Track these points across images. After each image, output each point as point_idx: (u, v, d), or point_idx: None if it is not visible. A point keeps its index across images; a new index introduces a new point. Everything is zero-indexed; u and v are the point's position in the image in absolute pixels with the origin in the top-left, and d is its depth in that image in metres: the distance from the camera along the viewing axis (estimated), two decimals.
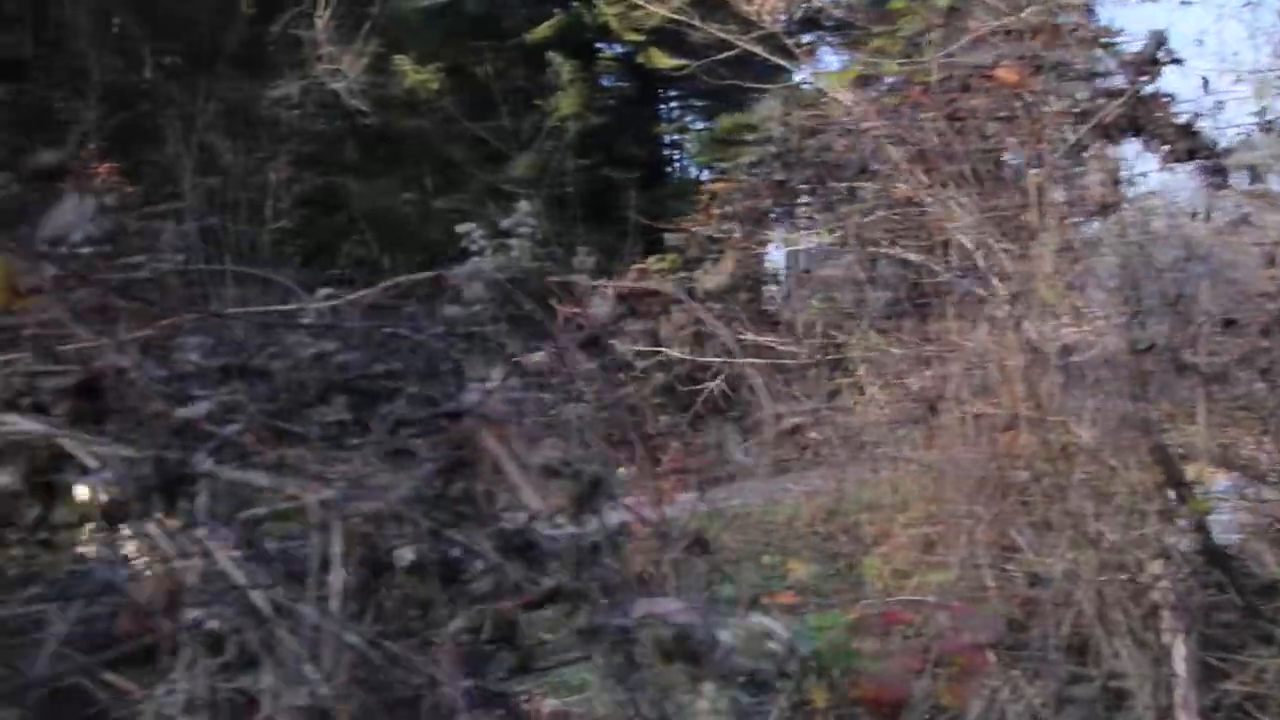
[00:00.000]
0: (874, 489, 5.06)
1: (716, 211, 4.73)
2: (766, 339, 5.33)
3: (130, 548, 1.91)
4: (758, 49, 5.73)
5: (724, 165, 9.40)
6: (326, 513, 1.42)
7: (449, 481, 1.52)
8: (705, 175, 14.76)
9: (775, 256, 7.53)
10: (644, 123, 14.44)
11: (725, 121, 12.77)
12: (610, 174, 12.43)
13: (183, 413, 1.37)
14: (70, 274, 1.58)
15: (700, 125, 15.18)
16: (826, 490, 5.49)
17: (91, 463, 1.58)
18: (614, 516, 1.51)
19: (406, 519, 1.44)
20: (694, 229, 4.85)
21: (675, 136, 15.55)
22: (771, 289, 7.55)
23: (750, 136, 5.29)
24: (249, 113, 12.87)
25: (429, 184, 12.50)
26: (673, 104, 15.63)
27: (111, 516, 1.80)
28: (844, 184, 4.43)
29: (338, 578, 1.41)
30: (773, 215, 4.70)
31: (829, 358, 5.27)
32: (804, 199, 5.34)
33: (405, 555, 1.43)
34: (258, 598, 1.38)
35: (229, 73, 13.05)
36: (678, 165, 15.80)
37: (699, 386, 5.63)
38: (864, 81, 4.94)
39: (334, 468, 1.48)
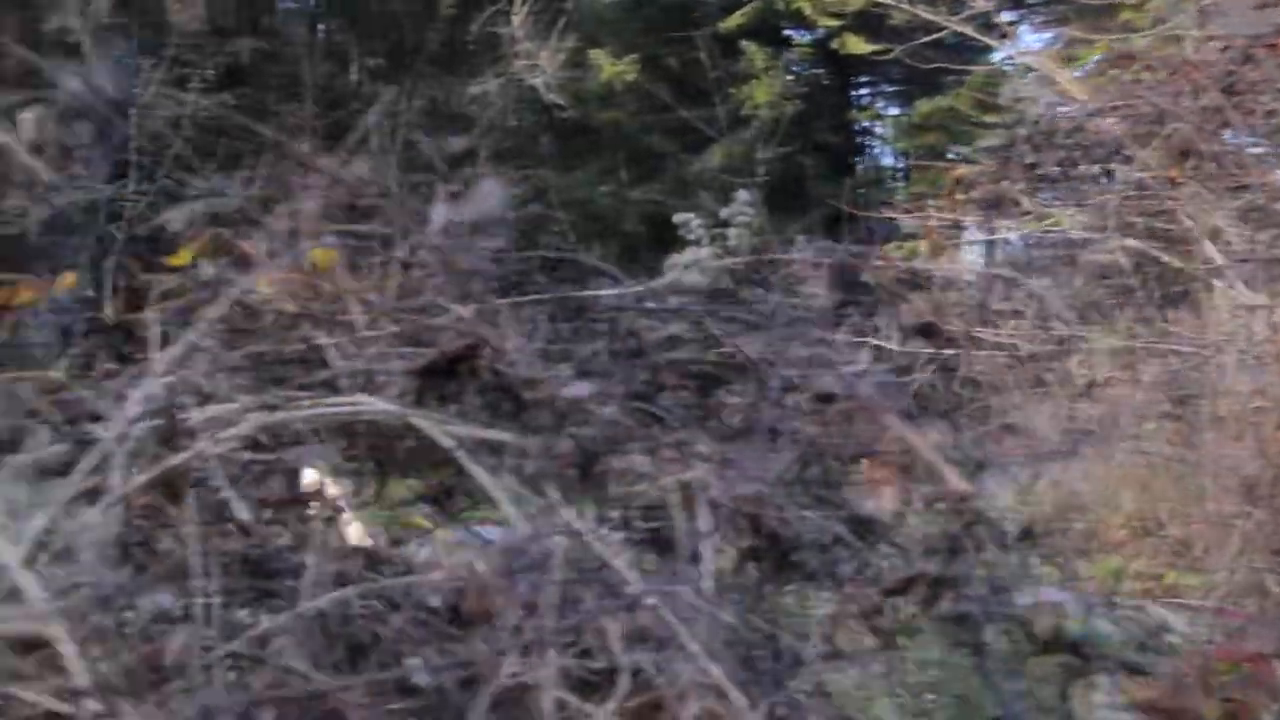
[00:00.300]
0: (1117, 484, 4.82)
1: (961, 197, 4.60)
2: (992, 330, 5.16)
3: (354, 530, 1.96)
4: (966, 29, 5.56)
5: (964, 149, 9.14)
6: (696, 494, 1.44)
7: (806, 464, 1.52)
8: (900, 161, 14.47)
9: (975, 244, 7.31)
10: (837, 110, 14.24)
11: (923, 106, 12.46)
12: (805, 162, 12.32)
13: (567, 393, 1.40)
14: (437, 257, 1.65)
15: (894, 111, 14.88)
16: (1059, 483, 5.28)
17: (447, 442, 1.64)
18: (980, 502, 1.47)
19: (772, 501, 1.44)
20: (935, 214, 4.73)
21: (867, 123, 15.28)
22: (983, 278, 7.33)
23: (990, 118, 5.14)
24: (450, 109, 13.31)
25: (624, 175, 12.66)
26: (863, 90, 15.36)
27: (440, 498, 1.88)
28: (1096, 166, 4.25)
29: (709, 557, 1.42)
30: (1016, 198, 4.54)
31: (1064, 349, 5.06)
32: (1020, 184, 5.14)
33: (772, 537, 1.44)
34: (632, 577, 1.40)
35: (430, 71, 13.56)
36: (870, 152, 15.55)
37: (910, 377, 5.50)
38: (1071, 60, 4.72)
39: (696, 449, 1.50)
